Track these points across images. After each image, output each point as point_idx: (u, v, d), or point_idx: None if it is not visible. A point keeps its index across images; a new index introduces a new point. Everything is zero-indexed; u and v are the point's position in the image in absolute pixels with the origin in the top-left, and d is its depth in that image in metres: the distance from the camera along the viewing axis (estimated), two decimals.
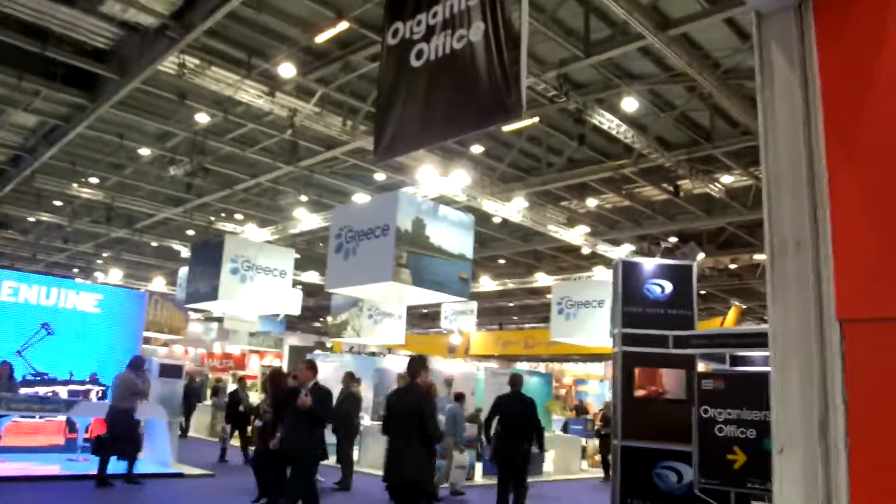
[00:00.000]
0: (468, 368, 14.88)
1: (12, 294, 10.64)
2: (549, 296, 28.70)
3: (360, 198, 15.84)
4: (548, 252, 22.59)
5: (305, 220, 18.06)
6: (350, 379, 10.50)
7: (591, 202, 16.97)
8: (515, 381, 8.70)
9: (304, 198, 16.92)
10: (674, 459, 7.39)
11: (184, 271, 18.65)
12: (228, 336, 22.36)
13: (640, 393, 7.74)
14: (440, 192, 14.83)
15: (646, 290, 8.06)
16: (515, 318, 33.87)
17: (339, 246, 9.40)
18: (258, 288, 12.33)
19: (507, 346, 27.39)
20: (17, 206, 20.15)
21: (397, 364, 14.37)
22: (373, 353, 23.55)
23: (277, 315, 19.71)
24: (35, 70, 11.84)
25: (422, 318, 32.19)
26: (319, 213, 17.73)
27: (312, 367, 7.26)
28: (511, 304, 30.48)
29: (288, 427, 7.14)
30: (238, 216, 20.02)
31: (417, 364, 6.55)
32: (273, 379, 8.76)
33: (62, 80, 12.20)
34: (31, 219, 22.00)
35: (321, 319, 35.45)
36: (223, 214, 19.88)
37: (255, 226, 19.04)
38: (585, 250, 21.65)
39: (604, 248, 18.85)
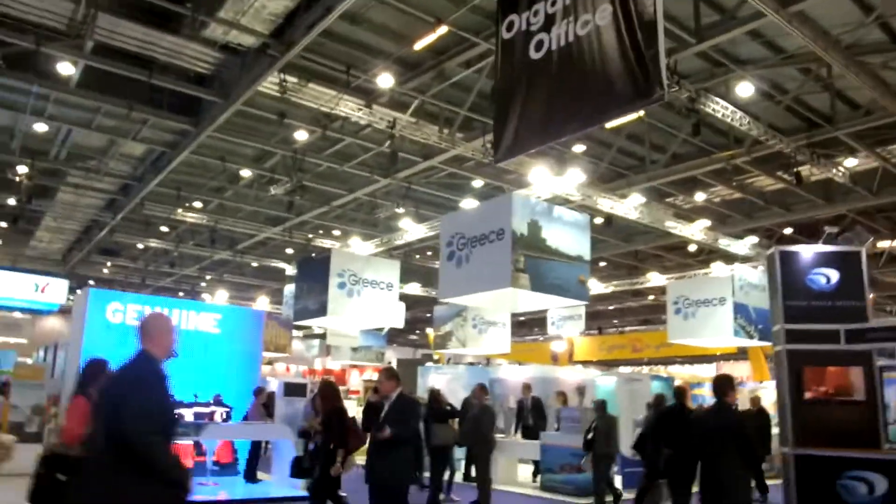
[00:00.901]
0: (586, 376, 14.26)
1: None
2: (651, 297, 27.83)
3: (468, 203, 15.51)
4: (651, 252, 21.74)
5: (411, 230, 17.90)
6: (482, 391, 9.88)
7: (699, 196, 16.13)
8: (681, 392, 8.64)
9: (400, 210, 16.80)
10: (862, 468, 6.62)
11: (289, 289, 18.85)
12: (330, 352, 22.54)
13: (810, 395, 7.03)
14: (552, 192, 14.39)
15: (808, 281, 7.37)
16: (615, 321, 32.89)
17: (451, 254, 9.10)
18: (365, 302, 12.19)
19: (613, 350, 26.51)
20: (127, 234, 20.96)
21: (513, 374, 13.97)
22: (470, 363, 23.26)
23: (381, 329, 19.67)
24: (142, 99, 12.16)
25: (519, 326, 31.70)
26: (424, 223, 17.53)
27: (394, 377, 6.48)
28: (611, 308, 29.59)
29: (370, 451, 6.28)
30: (335, 232, 20.16)
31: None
32: (324, 393, 7.37)
33: (168, 107, 12.50)
34: (140, 245, 22.89)
35: (417, 332, 35.54)
36: (321, 231, 20.06)
37: (359, 239, 19.04)
38: (693, 248, 20.74)
39: (725, 243, 17.91)
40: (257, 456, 10.77)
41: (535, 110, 5.52)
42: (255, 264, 24.29)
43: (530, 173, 13.56)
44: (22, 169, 15.61)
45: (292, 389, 11.68)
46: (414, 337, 38.18)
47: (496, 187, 15.42)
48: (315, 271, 12.51)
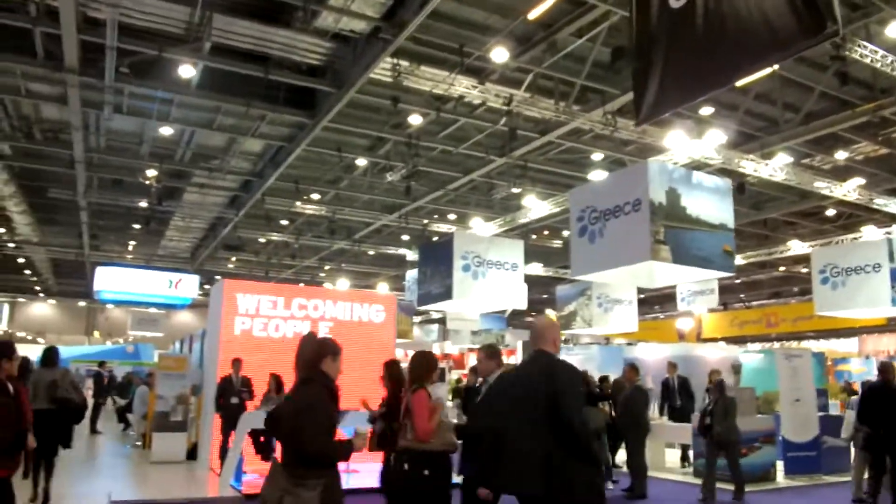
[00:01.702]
0: (727, 353, 13.32)
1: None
2: (782, 269, 26.09)
3: (596, 175, 14.80)
4: (782, 219, 20.29)
5: (534, 208, 17.40)
6: (633, 372, 9.24)
7: (841, 155, 14.77)
8: (886, 368, 8.07)
9: (516, 189, 16.38)
10: None
11: (411, 274, 18.85)
12: (450, 336, 22.45)
13: None
14: (690, 156, 13.60)
15: None
16: (742, 295, 31.14)
17: (583, 229, 8.60)
18: (490, 283, 11.88)
19: (744, 326, 24.97)
20: (249, 229, 21.64)
21: (650, 353, 13.29)
22: (588, 344, 22.56)
23: (504, 311, 19.34)
24: (259, 96, 12.32)
25: (640, 304, 30.61)
26: (547, 199, 16.96)
27: (495, 355, 5.53)
28: (737, 282, 28.00)
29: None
30: (451, 216, 19.97)
31: None
32: (390, 371, 6.21)
33: (284, 102, 12.63)
34: (262, 239, 23.59)
35: (533, 313, 35.05)
36: (436, 216, 19.93)
37: (480, 220, 18.70)
38: (831, 212, 19.21)
39: (881, 202, 16.36)
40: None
41: (681, 64, 4.94)
42: (371, 252, 24.54)
43: (665, 139, 12.79)
44: (151, 172, 16.33)
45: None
46: (531, 319, 37.75)
47: (616, 160, 14.72)
48: (438, 255, 12.31)
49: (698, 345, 17.73)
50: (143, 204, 18.33)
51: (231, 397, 10.13)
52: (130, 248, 26.48)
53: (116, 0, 9.25)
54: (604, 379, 11.36)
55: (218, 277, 30.15)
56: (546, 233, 21.24)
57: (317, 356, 3.86)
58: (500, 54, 10.45)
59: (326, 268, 28.11)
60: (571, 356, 15.19)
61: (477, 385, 5.83)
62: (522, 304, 12.67)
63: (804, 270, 25.65)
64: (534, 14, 9.68)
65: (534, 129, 13.48)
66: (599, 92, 12.10)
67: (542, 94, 12.07)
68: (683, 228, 7.91)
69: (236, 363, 10.36)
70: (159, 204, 17.89)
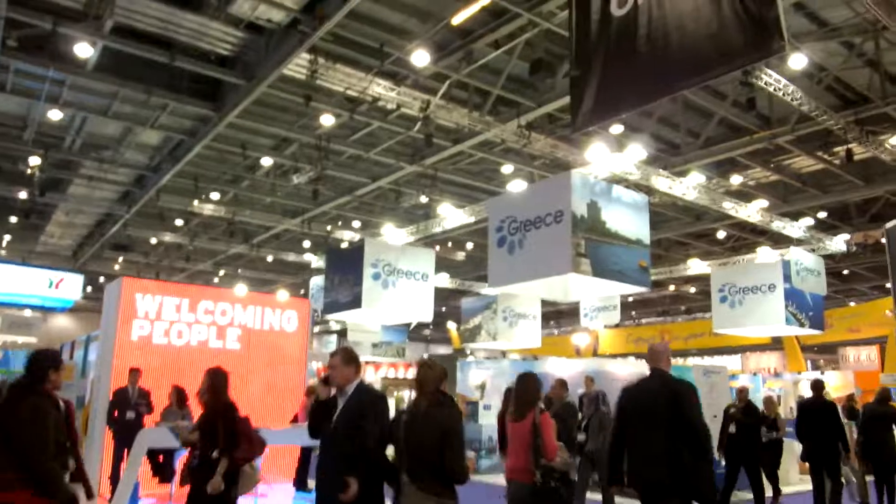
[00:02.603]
0: (635, 368, 13.58)
1: None
2: (672, 288, 27.24)
3: (516, 186, 14.76)
4: (676, 239, 21.22)
5: (451, 217, 17.21)
6: (562, 387, 8.91)
7: (735, 179, 15.58)
8: (818, 386, 8.93)
9: (424, 198, 16.29)
10: None
11: (315, 281, 18.32)
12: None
13: None
14: (610, 171, 13.78)
15: None
16: (633, 313, 32.36)
17: (502, 240, 8.55)
18: (400, 293, 11.61)
19: (640, 342, 25.84)
20: (140, 228, 20.46)
21: (560, 368, 13.40)
22: (486, 358, 22.67)
23: (408, 324, 19.07)
24: (161, 84, 11.67)
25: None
26: (465, 209, 16.86)
27: (352, 360, 4.58)
28: (630, 300, 29.05)
29: (322, 465, 4.57)
30: (355, 223, 19.63)
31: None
32: (212, 383, 5.45)
33: (188, 92, 12.01)
34: (154, 240, 22.37)
35: (429, 327, 34.99)
36: (340, 223, 19.53)
37: (392, 226, 18.37)
38: (721, 234, 20.22)
39: (779, 225, 17.29)
40: (308, 462, 9.95)
41: (621, 73, 4.97)
42: (270, 258, 23.77)
43: (579, 154, 13.01)
44: (34, 160, 15.11)
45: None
46: (427, 333, 37.72)
47: (527, 173, 14.89)
48: (347, 262, 11.95)
49: (608, 360, 18.12)
50: (23, 195, 16.94)
51: (127, 411, 9.16)
52: (4, 243, 24.48)
53: None
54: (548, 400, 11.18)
55: (102, 279, 28.47)
56: (450, 244, 21.26)
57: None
58: (420, 57, 10.34)
59: (221, 273, 27.02)
60: (481, 370, 15.16)
61: (330, 396, 4.59)
62: (429, 316, 12.51)
63: (692, 290, 26.96)
64: (458, 19, 9.62)
65: (445, 139, 13.45)
66: (514, 104, 12.22)
67: (457, 103, 12.06)
68: (603, 242, 8.00)
69: (133, 373, 9.40)
70: (41, 195, 16.55)
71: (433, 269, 12.35)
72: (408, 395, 17.54)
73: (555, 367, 13.59)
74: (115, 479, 8.73)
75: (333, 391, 4.58)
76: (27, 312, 27.80)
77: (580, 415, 9.34)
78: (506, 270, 8.63)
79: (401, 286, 11.67)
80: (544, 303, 16.63)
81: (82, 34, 9.96)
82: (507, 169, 15.02)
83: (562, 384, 9.02)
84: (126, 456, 8.21)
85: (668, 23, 4.76)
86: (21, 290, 20.24)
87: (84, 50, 10.35)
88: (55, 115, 13.04)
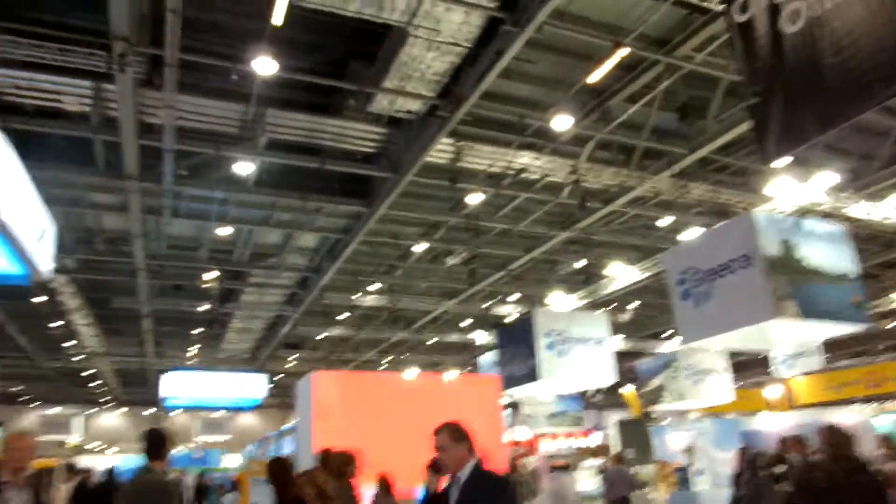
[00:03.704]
0: (858, 416, 11.99)
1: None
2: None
3: (688, 235, 13.84)
4: (867, 272, 19.12)
5: (619, 276, 16.61)
6: (799, 444, 7.84)
7: None
8: None
9: (579, 264, 15.82)
10: None
11: (485, 359, 18.17)
12: (525, 421, 21.39)
13: None
14: (796, 204, 12.70)
15: None
16: (828, 356, 29.29)
17: (686, 293, 7.92)
18: (577, 360, 11.16)
19: (843, 388, 23.11)
20: (308, 325, 21.33)
21: (774, 424, 12.13)
22: (700, 418, 21.10)
23: (584, 392, 18.34)
24: (314, 189, 12.20)
25: None
26: (637, 264, 16.18)
27: (464, 437, 3.77)
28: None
29: None
30: (511, 297, 19.36)
31: None
32: (275, 474, 5.24)
33: (339, 192, 12.48)
34: (321, 335, 23.24)
35: (598, 391, 33.55)
36: (497, 298, 19.34)
37: (562, 294, 17.93)
38: None
39: None
40: None
41: (806, 95, 4.42)
42: (432, 341, 23.93)
43: (765, 188, 12.04)
44: (210, 275, 16.27)
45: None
46: (597, 399, 36.19)
47: (683, 223, 14.05)
48: (517, 335, 11.71)
49: (826, 410, 16.30)
50: (204, 307, 18.24)
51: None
52: (193, 352, 26.44)
53: (172, 103, 9.26)
54: (780, 458, 10.01)
55: (280, 376, 29.93)
56: (612, 306, 20.40)
57: None
58: (561, 122, 10.08)
59: (385, 361, 27.54)
60: (680, 432, 14.08)
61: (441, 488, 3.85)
62: (610, 381, 11.90)
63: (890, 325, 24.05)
64: (593, 78, 9.34)
65: (595, 200, 13.01)
66: (662, 154, 11.65)
67: (602, 163, 11.72)
68: (807, 281, 7.20)
69: None
70: (220, 306, 17.77)
71: (607, 332, 11.82)
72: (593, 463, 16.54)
73: (765, 424, 12.30)
74: None
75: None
76: (217, 414, 29.69)
77: None
78: (697, 324, 7.95)
79: (577, 353, 11.21)
80: (759, 350, 15.36)
81: (241, 154, 10.66)
82: (663, 222, 14.27)
83: (799, 441, 7.89)
84: None
85: (850, 30, 4.19)
86: (212, 393, 21.63)
87: (244, 168, 11.06)
88: (224, 231, 14.02)
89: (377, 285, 17.93)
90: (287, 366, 28.69)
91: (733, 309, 7.30)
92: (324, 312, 19.84)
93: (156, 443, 4.69)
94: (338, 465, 5.90)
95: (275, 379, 29.09)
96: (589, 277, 16.49)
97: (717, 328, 7.71)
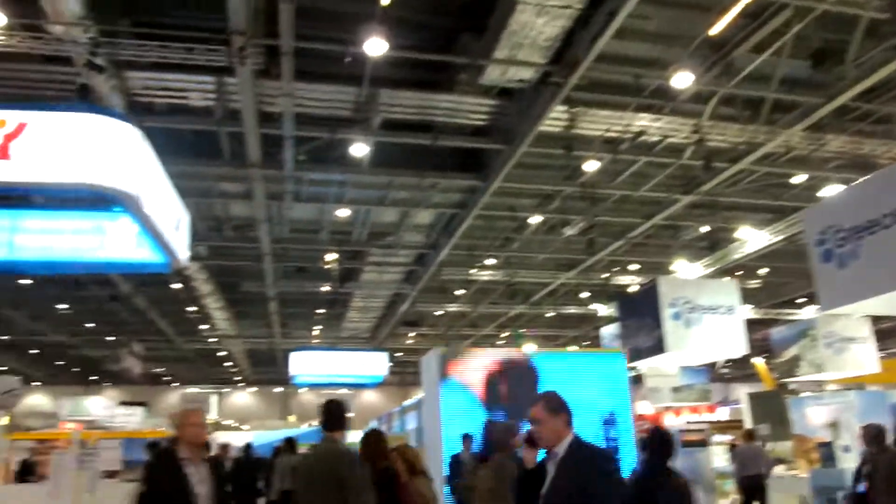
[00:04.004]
0: None
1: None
2: None
3: (828, 191, 12.93)
4: None
5: (750, 240, 15.63)
6: None
7: None
8: None
9: (704, 229, 15.11)
10: None
11: (607, 331, 17.84)
12: (648, 395, 20.82)
13: None
14: None
15: None
16: None
17: (827, 254, 7.32)
18: (706, 330, 10.66)
19: None
20: (426, 302, 21.63)
21: None
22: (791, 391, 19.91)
23: (713, 364, 17.63)
24: (428, 165, 12.23)
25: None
26: (768, 227, 15.30)
27: (561, 408, 3.42)
28: None
29: None
30: (632, 266, 18.82)
31: None
32: (367, 447, 5.28)
33: (452, 168, 12.48)
34: (439, 312, 23.55)
35: (727, 363, 32.20)
36: (616, 268, 18.86)
37: (685, 261, 17.28)
38: None
39: None
40: None
41: None
42: (549, 314, 23.72)
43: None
44: (331, 256, 16.76)
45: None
46: (725, 370, 34.85)
47: (820, 179, 13.11)
48: (641, 306, 11.32)
49: None
50: (326, 288, 18.83)
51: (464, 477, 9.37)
52: (316, 332, 27.48)
53: (290, 91, 9.49)
54: None
55: (398, 354, 30.63)
56: (742, 272, 19.42)
57: None
58: (681, 80, 9.57)
59: (503, 336, 27.57)
60: (820, 406, 13.24)
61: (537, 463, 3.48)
62: (741, 351, 11.30)
63: None
64: (716, 30, 8.80)
65: (720, 160, 12.34)
66: (793, 107, 10.86)
67: (726, 120, 11.09)
68: None
69: (468, 439, 9.60)
70: (341, 286, 18.30)
71: (738, 299, 11.19)
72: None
73: None
74: None
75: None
76: (342, 391, 30.78)
77: None
78: (840, 288, 7.32)
79: (705, 323, 10.69)
80: None
81: (356, 136, 10.82)
82: (797, 179, 13.36)
83: None
84: None
85: None
86: (337, 371, 22.42)
87: (359, 150, 11.23)
88: (343, 213, 14.37)
89: (493, 259, 17.88)
90: (406, 343, 29.34)
91: (885, 270, 6.64)
92: (441, 289, 20.03)
93: (334, 413, 4.57)
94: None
95: (395, 356, 29.82)
96: (715, 243, 15.69)
97: (865, 291, 7.05)
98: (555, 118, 10.40)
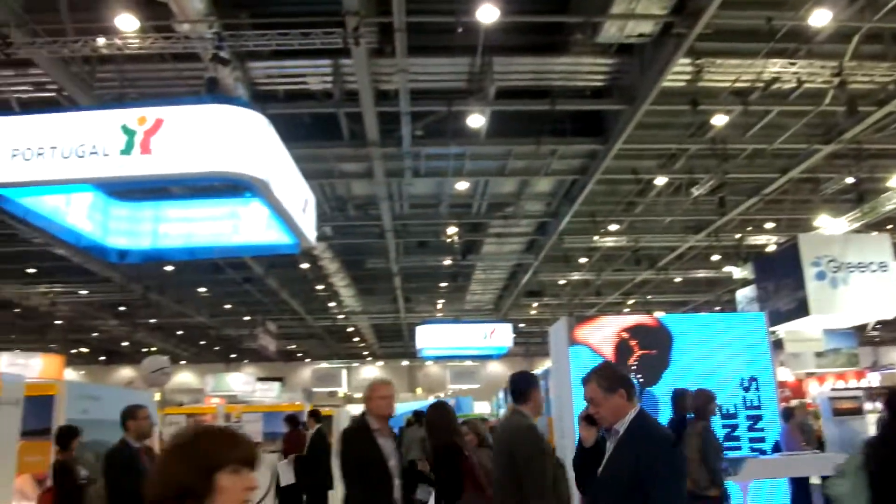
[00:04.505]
0: None
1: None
2: None
3: None
4: None
5: None
6: None
7: None
8: None
9: (849, 179, 13.97)
10: None
11: (743, 293, 16.99)
12: (788, 361, 19.69)
13: None
14: None
15: None
16: None
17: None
18: (855, 290, 9.87)
19: None
20: (548, 272, 21.40)
21: None
22: None
23: (864, 326, 16.40)
24: (546, 132, 11.98)
25: None
26: None
27: (617, 382, 3.08)
28: None
29: None
30: (768, 224, 17.72)
31: None
32: (432, 420, 5.42)
33: (572, 133, 12.15)
34: (561, 281, 23.25)
35: (877, 324, 29.93)
36: (749, 228, 17.83)
37: (828, 216, 16.10)
38: None
39: None
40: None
41: None
42: (678, 279, 22.87)
43: None
44: (451, 230, 16.84)
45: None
46: (874, 334, 32.44)
47: None
48: (780, 266, 10.66)
49: None
50: (447, 262, 18.99)
51: (604, 446, 9.25)
52: (439, 306, 27.86)
53: (405, 67, 9.51)
54: None
55: (522, 325, 30.60)
56: (891, 226, 17.87)
57: None
58: (819, 17, 8.80)
59: (629, 303, 26.88)
60: None
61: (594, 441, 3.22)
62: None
63: None
64: None
65: (865, 103, 11.30)
66: None
67: (872, 59, 10.12)
68: None
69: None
70: (462, 259, 18.39)
71: (891, 255, 10.27)
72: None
73: None
74: None
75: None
76: (468, 363, 31.16)
77: None
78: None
79: (854, 282, 9.88)
80: None
81: (472, 107, 10.74)
82: None
83: None
84: None
85: None
86: (462, 343, 22.69)
87: (476, 120, 11.15)
88: (462, 185, 14.38)
89: (617, 225, 17.37)
90: (530, 313, 29.24)
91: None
92: (564, 257, 19.73)
93: (518, 386, 4.23)
94: None
95: (519, 327, 29.80)
96: (862, 195, 14.44)
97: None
98: (678, 72, 9.88)
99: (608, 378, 3.07)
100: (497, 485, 4.15)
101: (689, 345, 9.57)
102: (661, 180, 14.43)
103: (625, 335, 9.66)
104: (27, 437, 9.26)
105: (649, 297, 25.10)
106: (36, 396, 9.76)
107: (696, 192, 13.76)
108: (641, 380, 9.10)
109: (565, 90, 10.91)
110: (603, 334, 9.64)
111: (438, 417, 5.38)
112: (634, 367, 9.62)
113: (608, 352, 9.68)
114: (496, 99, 10.74)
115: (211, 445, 1.67)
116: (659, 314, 12.61)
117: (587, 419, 3.21)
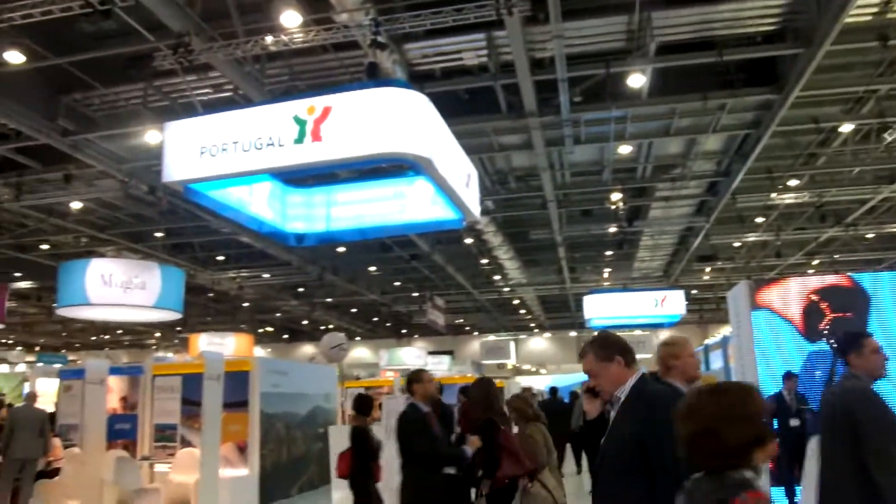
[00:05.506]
0: None
1: None
2: None
3: None
4: None
5: None
6: None
7: None
8: None
9: None
10: None
11: None
12: None
13: None
14: None
15: None
16: None
17: None
18: None
19: None
20: (721, 234, 20.31)
21: None
22: None
23: None
24: (713, 86, 11.30)
25: None
26: None
27: (612, 348, 2.96)
28: None
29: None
30: None
31: None
32: (475, 394, 5.88)
33: (742, 84, 11.37)
34: (736, 243, 22.00)
35: None
36: None
37: None
38: None
39: None
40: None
41: None
42: (869, 235, 20.86)
43: None
44: (615, 196, 16.42)
45: None
46: None
47: None
48: None
49: None
50: (613, 229, 18.55)
51: (789, 419, 8.72)
52: (606, 275, 27.35)
53: (559, 32, 9.32)
54: None
55: (694, 291, 29.33)
56: None
57: None
58: None
59: (815, 262, 24.91)
60: None
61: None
62: None
63: None
64: None
65: None
66: None
67: None
68: None
69: (790, 378, 8.85)
70: (628, 226, 17.90)
71: None
72: None
73: None
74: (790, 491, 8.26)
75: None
76: (637, 332, 30.41)
77: None
78: None
79: None
80: None
81: (632, 67, 10.35)
82: None
83: None
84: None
85: None
86: (632, 312, 22.18)
87: (636, 80, 10.75)
88: (624, 149, 13.94)
89: (796, 180, 16.09)
90: (703, 279, 27.97)
91: None
92: (738, 218, 18.66)
93: (664, 358, 4.33)
94: None
95: (691, 294, 28.59)
96: None
97: None
98: (863, 4, 8.96)
99: (603, 346, 2.97)
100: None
101: (891, 306, 8.76)
102: (846, 127, 13.19)
103: (814, 297, 8.99)
104: (228, 408, 10.28)
105: (837, 256, 23.10)
106: (234, 372, 10.77)
107: (889, 137, 12.44)
108: (835, 346, 8.43)
109: (732, 38, 10.24)
110: (789, 297, 9.03)
111: (476, 393, 5.68)
112: (826, 332, 8.96)
113: (795, 315, 9.07)
114: (657, 55, 10.27)
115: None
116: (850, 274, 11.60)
117: (589, 391, 3.21)
